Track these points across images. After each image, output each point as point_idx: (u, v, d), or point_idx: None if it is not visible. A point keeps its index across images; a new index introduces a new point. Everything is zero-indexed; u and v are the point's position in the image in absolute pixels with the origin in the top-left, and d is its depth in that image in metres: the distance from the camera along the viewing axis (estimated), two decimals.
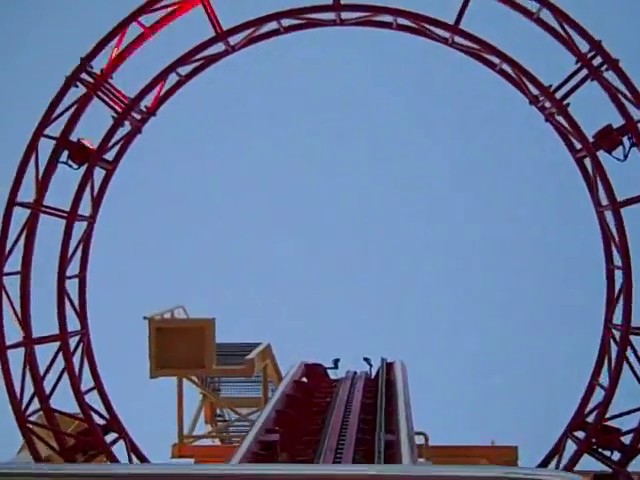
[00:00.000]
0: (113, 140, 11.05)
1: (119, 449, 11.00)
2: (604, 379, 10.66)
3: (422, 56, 17.32)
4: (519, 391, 19.69)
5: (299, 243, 21.17)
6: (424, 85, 21.06)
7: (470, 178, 21.77)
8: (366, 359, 12.06)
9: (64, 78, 10.61)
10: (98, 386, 11.11)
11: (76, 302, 11.11)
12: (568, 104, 10.92)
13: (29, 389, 10.68)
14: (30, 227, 10.70)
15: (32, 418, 10.75)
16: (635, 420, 10.44)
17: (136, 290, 17.86)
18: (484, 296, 20.95)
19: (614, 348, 10.55)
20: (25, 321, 10.73)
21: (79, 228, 11.12)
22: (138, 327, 12.01)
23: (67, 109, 10.74)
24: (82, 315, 11.08)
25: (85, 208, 11.09)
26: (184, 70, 11.19)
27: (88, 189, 10.99)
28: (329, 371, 12.14)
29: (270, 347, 13.97)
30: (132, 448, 11.09)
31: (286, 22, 11.24)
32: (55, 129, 10.81)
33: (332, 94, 20.64)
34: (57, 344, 10.86)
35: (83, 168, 10.85)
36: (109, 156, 11.22)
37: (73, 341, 11.06)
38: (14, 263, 10.77)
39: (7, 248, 10.70)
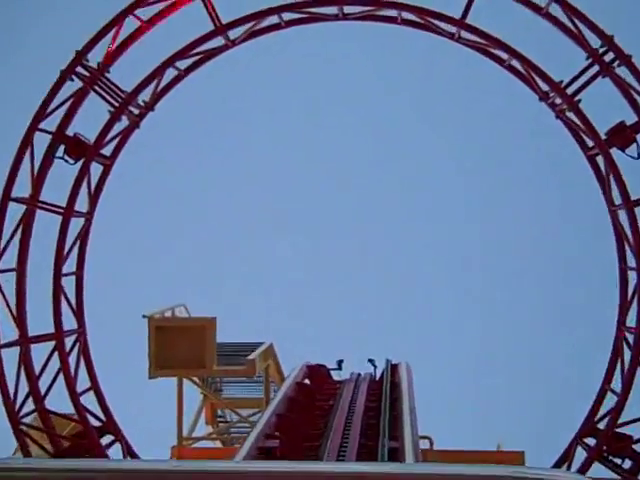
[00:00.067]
0: (111, 135, 10.88)
1: (116, 452, 10.78)
2: (616, 384, 10.37)
3: (426, 51, 17.10)
4: (521, 392, 19.49)
5: (301, 241, 20.99)
6: (428, 81, 20.82)
7: (472, 177, 21.55)
8: (370, 360, 11.85)
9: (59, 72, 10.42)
10: (95, 387, 10.90)
11: (73, 300, 10.91)
12: (579, 100, 10.66)
13: (24, 389, 10.47)
14: (26, 223, 10.52)
15: (26, 419, 10.54)
16: None
17: (136, 288, 17.68)
18: (485, 296, 20.76)
19: (627, 351, 10.28)
20: (20, 319, 10.53)
21: (76, 225, 10.93)
22: (137, 326, 11.81)
23: (63, 103, 10.55)
24: (79, 313, 10.88)
25: (83, 204, 10.90)
26: (183, 64, 10.99)
27: (85, 185, 10.81)
28: (333, 372, 11.92)
29: (273, 347, 13.77)
30: (129, 451, 10.87)
31: (287, 16, 11.02)
32: (52, 124, 10.61)
33: (333, 90, 20.42)
34: (53, 343, 10.64)
35: (80, 163, 10.65)
36: (107, 151, 11.03)
37: (70, 340, 10.86)
38: (9, 260, 10.59)
39: (2, 245, 10.51)
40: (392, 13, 11.12)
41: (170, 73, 11.03)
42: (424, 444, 10.21)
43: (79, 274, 10.91)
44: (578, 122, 10.79)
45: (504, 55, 11.02)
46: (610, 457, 10.11)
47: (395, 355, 11.62)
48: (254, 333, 14.38)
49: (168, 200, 20.21)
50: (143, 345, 11.70)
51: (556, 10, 10.55)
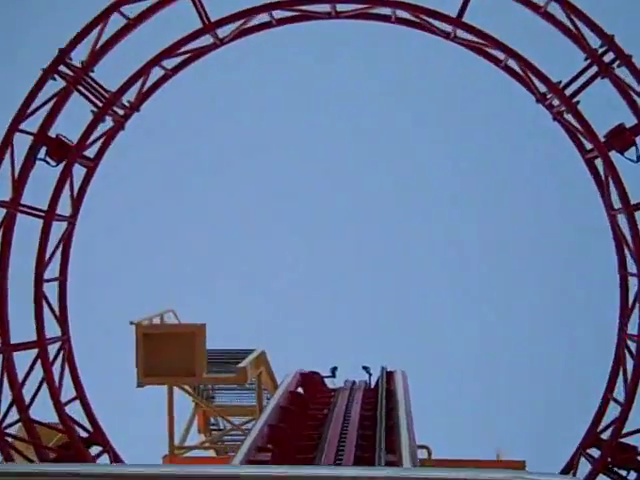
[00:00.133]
0: (94, 136, 10.56)
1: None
2: (619, 393, 10.09)
3: (420, 50, 16.89)
4: (520, 395, 19.28)
5: (295, 242, 20.71)
6: (422, 80, 20.60)
7: (469, 177, 21.34)
8: (365, 368, 11.61)
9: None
10: (80, 396, 10.58)
11: (56, 307, 10.59)
12: (578, 102, 10.41)
13: (7, 398, 10.14)
14: (6, 227, 10.19)
15: (10, 430, 10.20)
16: None
17: (122, 294, 17.35)
18: (483, 297, 20.56)
19: (629, 358, 10.01)
20: (3, 326, 10.20)
21: (60, 229, 10.61)
22: (125, 333, 11.53)
23: (45, 103, 10.22)
24: (63, 320, 10.57)
25: (66, 207, 10.57)
26: (170, 64, 10.68)
27: (69, 188, 10.50)
28: (327, 380, 11.66)
29: (265, 354, 13.53)
30: (117, 461, 10.55)
31: (278, 14, 10.74)
32: (34, 125, 10.28)
33: (327, 89, 20.17)
34: (36, 351, 10.31)
35: (62, 166, 10.34)
36: (91, 153, 10.71)
37: (54, 348, 10.53)
38: None
39: None
40: (386, 11, 10.87)
41: (157, 73, 10.74)
42: (422, 454, 10.01)
43: (62, 279, 10.60)
44: (576, 124, 10.54)
45: (501, 55, 10.78)
46: (615, 469, 9.84)
47: (391, 359, 11.45)
48: (246, 339, 14.10)
49: (156, 203, 19.88)
50: (131, 353, 11.42)
51: (555, 9, 10.30)
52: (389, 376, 10.90)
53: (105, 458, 10.56)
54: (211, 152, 20.02)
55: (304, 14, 10.82)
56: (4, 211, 10.26)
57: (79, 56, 10.42)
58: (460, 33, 10.68)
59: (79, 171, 10.68)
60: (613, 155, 10.28)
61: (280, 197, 20.42)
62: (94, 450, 10.56)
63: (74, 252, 10.75)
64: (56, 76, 10.24)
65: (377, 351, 17.18)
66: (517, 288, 20.50)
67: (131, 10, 10.34)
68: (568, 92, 10.41)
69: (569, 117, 10.62)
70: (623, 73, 10.24)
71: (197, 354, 11.56)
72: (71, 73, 10.26)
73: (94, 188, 10.76)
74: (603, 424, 10.20)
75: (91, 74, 10.41)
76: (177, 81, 10.86)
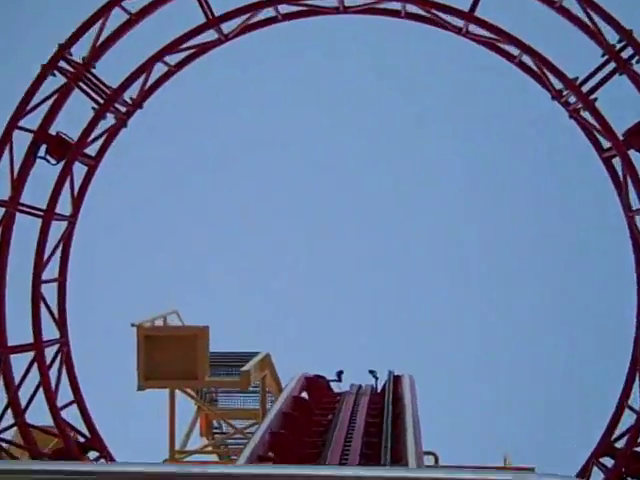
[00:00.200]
0: (96, 134, 10.35)
1: None
2: (634, 400, 9.75)
3: (425, 46, 16.60)
4: (528, 398, 18.96)
5: (296, 243, 20.43)
6: (428, 78, 20.28)
7: (472, 175, 21.02)
8: (372, 372, 11.36)
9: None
10: (78, 400, 10.35)
11: (55, 308, 10.36)
12: (596, 99, 10.07)
13: (2, 402, 9.92)
14: (5, 227, 9.98)
15: (6, 435, 9.98)
16: None
17: (123, 294, 17.11)
18: (485, 297, 20.26)
19: None
20: (0, 328, 9.97)
21: (60, 228, 10.38)
22: (126, 335, 11.29)
23: (45, 100, 10.00)
24: (61, 322, 10.35)
25: (67, 207, 10.35)
26: (173, 60, 10.43)
27: (69, 187, 10.28)
28: (332, 384, 11.39)
29: (269, 357, 13.27)
30: None
31: (284, 9, 10.48)
32: (34, 122, 10.07)
33: (332, 85, 19.87)
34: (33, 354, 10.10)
35: (62, 164, 10.13)
36: (92, 151, 10.48)
37: (52, 350, 10.30)
38: None
39: None
40: (396, 6, 10.58)
41: (160, 69, 10.50)
42: (429, 460, 9.75)
43: (61, 280, 10.38)
44: (594, 122, 10.22)
45: (515, 51, 10.48)
46: (629, 479, 9.52)
47: (396, 360, 11.21)
48: (248, 340, 13.85)
49: (156, 201, 19.62)
50: (132, 355, 11.19)
51: (571, 3, 10.00)
52: (396, 380, 10.67)
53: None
54: (213, 149, 19.77)
55: (311, 9, 10.57)
56: (2, 210, 10.07)
57: (80, 52, 10.21)
58: (472, 28, 10.38)
59: (80, 170, 10.46)
60: (632, 154, 10.00)
61: (282, 195, 20.17)
62: (91, 455, 10.34)
63: (74, 252, 10.52)
64: (56, 72, 10.04)
65: (377, 351, 16.97)
66: (517, 288, 20.22)
67: (133, 5, 10.11)
68: (585, 89, 10.09)
69: (586, 115, 10.32)
70: None
71: (199, 357, 11.33)
72: (72, 69, 10.05)
73: (94, 186, 10.53)
74: (617, 433, 9.89)
75: (92, 70, 10.20)
76: (179, 77, 10.61)
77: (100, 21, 9.94)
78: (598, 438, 9.89)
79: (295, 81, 19.79)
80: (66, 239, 10.39)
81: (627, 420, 9.96)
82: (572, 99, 10.34)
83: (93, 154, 10.52)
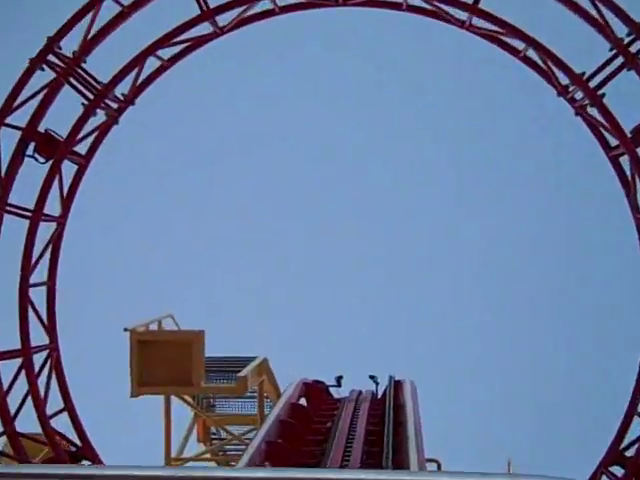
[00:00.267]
0: (86, 131, 10.00)
1: None
2: None
3: (430, 41, 16.29)
4: (531, 400, 18.65)
5: (296, 242, 20.08)
6: (428, 72, 19.95)
7: (470, 173, 20.72)
8: (372, 377, 11.04)
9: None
10: (69, 407, 9.99)
11: (44, 313, 10.00)
12: (603, 95, 9.74)
13: None
14: None
15: None
16: None
17: (117, 298, 16.72)
18: (485, 296, 19.93)
19: None
20: None
21: (48, 230, 10.03)
22: (119, 340, 10.94)
23: (33, 96, 9.65)
24: (50, 327, 10.01)
25: (55, 207, 10.00)
26: (167, 54, 10.09)
27: (59, 187, 9.93)
28: (331, 389, 11.07)
29: (267, 362, 12.98)
30: None
31: (282, 1, 10.16)
32: (22, 119, 9.72)
33: (327, 80, 19.54)
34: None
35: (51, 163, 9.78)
36: (82, 150, 10.13)
37: (41, 356, 9.94)
38: None
39: None
40: None
41: (153, 63, 10.15)
42: (431, 467, 9.43)
43: (50, 284, 10.03)
44: (601, 119, 9.88)
45: (519, 45, 10.15)
46: None
47: (395, 361, 10.82)
48: (247, 346, 13.51)
49: (149, 199, 19.23)
50: (125, 361, 10.85)
51: None
52: (397, 386, 10.40)
53: None
54: (209, 145, 19.40)
55: (309, 1, 10.25)
56: None
57: (70, 46, 9.86)
58: (475, 21, 10.05)
59: (70, 168, 10.11)
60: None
61: (280, 191, 19.82)
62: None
63: (64, 254, 10.17)
64: (45, 67, 9.68)
65: (376, 352, 16.62)
66: (518, 288, 19.92)
67: None
68: (592, 84, 9.76)
69: (592, 112, 9.99)
70: None
71: (195, 362, 11.02)
72: (61, 64, 9.72)
73: (85, 186, 10.18)
74: (627, 441, 9.58)
75: (82, 65, 9.85)
76: (173, 70, 10.25)
77: (91, 13, 9.60)
78: (597, 438, 9.61)
79: (293, 74, 19.45)
80: (55, 241, 10.05)
81: (636, 429, 9.67)
82: (578, 95, 10.02)
83: (83, 152, 10.17)
